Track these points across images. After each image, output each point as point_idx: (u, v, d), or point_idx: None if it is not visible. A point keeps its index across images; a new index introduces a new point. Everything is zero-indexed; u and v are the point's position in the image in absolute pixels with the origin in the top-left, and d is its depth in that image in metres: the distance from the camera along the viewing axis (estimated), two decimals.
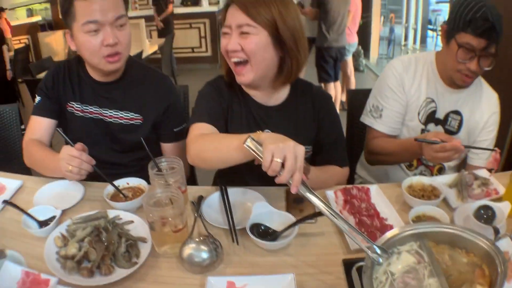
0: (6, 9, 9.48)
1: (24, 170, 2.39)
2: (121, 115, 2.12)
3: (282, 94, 1.92)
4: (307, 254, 1.52)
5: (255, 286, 1.37)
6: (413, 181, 1.79)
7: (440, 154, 1.72)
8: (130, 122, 2.13)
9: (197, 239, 1.55)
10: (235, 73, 1.77)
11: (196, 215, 1.71)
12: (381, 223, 1.57)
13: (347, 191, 1.78)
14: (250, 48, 1.67)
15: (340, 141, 2.02)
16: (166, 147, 2.27)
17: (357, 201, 1.72)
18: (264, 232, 1.59)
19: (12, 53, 8.09)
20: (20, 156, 2.22)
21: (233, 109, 1.90)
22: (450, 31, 1.86)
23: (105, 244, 1.58)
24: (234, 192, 1.83)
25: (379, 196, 1.75)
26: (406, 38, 9.94)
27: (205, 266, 1.49)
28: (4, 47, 7.28)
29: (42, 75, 5.48)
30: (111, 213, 1.77)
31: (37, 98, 2.13)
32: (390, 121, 2.13)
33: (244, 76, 1.74)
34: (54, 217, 1.78)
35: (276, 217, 1.63)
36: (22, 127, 2.95)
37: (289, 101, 1.93)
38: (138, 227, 1.69)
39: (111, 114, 2.12)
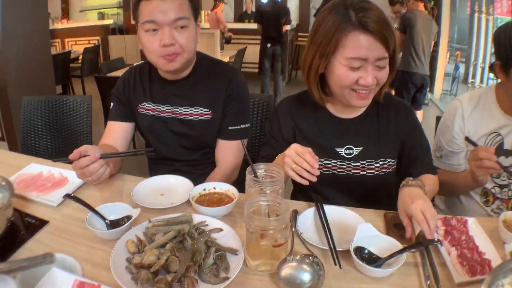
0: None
1: None
2: (191, 112, 2.08)
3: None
4: (412, 286, 1.32)
5: None
6: (506, 216, 1.60)
7: (472, 162, 1.68)
8: (200, 118, 2.08)
9: (298, 258, 1.30)
10: (353, 98, 1.67)
11: (293, 230, 1.49)
12: (480, 257, 1.41)
13: (447, 221, 1.59)
14: (383, 80, 1.65)
15: (429, 149, 1.94)
16: (218, 145, 2.17)
17: (457, 233, 1.55)
18: (367, 257, 1.39)
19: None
20: None
21: (303, 128, 1.87)
22: (506, 62, 1.77)
23: (190, 253, 1.34)
24: (329, 210, 1.61)
25: (477, 229, 1.56)
26: (473, 77, 9.63)
27: None
28: None
29: (112, 74, 5.62)
30: (196, 218, 1.54)
31: (111, 105, 2.18)
32: (451, 161, 2.09)
33: (367, 100, 1.68)
34: (127, 217, 1.57)
35: (380, 242, 1.43)
36: None
37: (370, 113, 1.85)
38: (227, 236, 1.48)
39: (181, 111, 2.09)
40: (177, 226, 1.45)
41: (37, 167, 2.01)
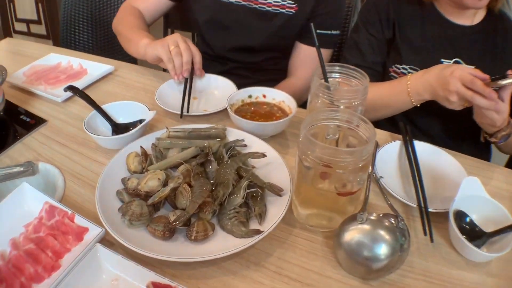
0: None
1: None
2: (270, 1, 1.66)
3: (480, 13, 1.48)
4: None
5: None
6: None
7: None
8: (280, 10, 1.66)
9: (374, 217, 0.84)
10: None
11: (370, 172, 1.02)
12: None
13: None
14: None
15: None
16: (298, 50, 1.76)
17: None
18: (468, 230, 0.95)
19: None
20: None
21: (405, 26, 1.52)
22: None
23: (212, 183, 0.93)
24: (420, 149, 1.17)
25: None
26: None
27: (376, 269, 0.81)
28: None
29: None
30: (232, 134, 1.13)
31: None
32: None
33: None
34: (141, 121, 1.20)
35: (483, 207, 0.98)
36: None
37: (486, 26, 1.48)
38: (272, 167, 1.03)
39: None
40: (202, 141, 1.04)
41: (56, 58, 1.75)
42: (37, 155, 1.18)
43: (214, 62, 1.83)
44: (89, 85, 1.53)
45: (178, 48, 1.36)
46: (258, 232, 0.83)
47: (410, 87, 1.33)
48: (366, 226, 0.83)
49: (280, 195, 0.93)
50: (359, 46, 1.56)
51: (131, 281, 0.78)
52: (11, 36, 4.25)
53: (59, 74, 1.62)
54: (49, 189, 1.02)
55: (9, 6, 4.19)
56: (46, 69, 1.67)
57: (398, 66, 1.52)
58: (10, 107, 1.40)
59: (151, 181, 0.90)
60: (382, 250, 0.80)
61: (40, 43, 2.04)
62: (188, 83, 1.39)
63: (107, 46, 2.54)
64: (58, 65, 1.70)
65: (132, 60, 1.87)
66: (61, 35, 2.63)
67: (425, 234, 0.92)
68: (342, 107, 0.98)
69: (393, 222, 0.83)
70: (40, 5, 4.11)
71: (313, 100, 1.02)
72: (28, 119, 1.35)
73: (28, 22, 4.18)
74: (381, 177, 1.04)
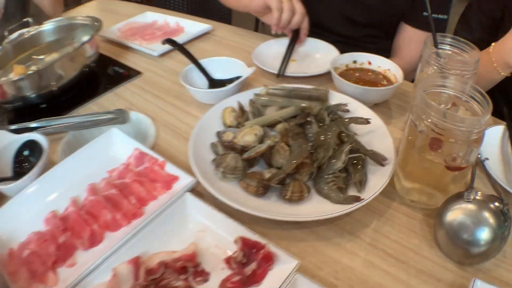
0: None
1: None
2: None
3: None
4: None
5: None
6: None
7: None
8: None
9: (479, 196, 0.75)
10: None
11: (479, 156, 0.94)
12: None
13: None
14: None
15: None
16: (403, 32, 1.60)
17: None
18: None
19: None
20: None
21: None
22: None
23: (311, 144, 0.87)
24: None
25: None
26: None
27: (475, 254, 0.73)
28: None
29: None
30: (335, 98, 1.05)
31: None
32: None
33: None
34: (236, 78, 1.16)
35: None
36: None
37: None
38: (375, 135, 0.95)
39: None
40: (303, 102, 0.97)
41: (152, 16, 1.76)
42: (130, 105, 1.17)
43: (310, 33, 1.66)
44: (186, 43, 1.50)
45: (292, 4, 1.29)
46: (357, 199, 0.77)
47: (493, 54, 1.18)
48: (472, 206, 0.74)
49: (382, 165, 0.85)
50: (469, 20, 1.43)
51: (219, 233, 0.74)
52: None
53: (155, 31, 1.62)
54: (138, 139, 0.99)
55: None
56: (142, 26, 1.67)
57: None
58: (104, 59, 1.41)
59: (247, 136, 0.86)
60: (485, 234, 0.72)
61: (133, 3, 2.07)
62: (291, 43, 1.33)
63: (203, 7, 2.46)
64: (154, 23, 1.70)
65: (227, 21, 1.83)
66: None
67: None
68: (452, 79, 0.88)
69: (499, 205, 0.74)
70: None
71: (424, 69, 0.94)
72: (122, 71, 1.35)
73: None
74: (486, 158, 0.95)
